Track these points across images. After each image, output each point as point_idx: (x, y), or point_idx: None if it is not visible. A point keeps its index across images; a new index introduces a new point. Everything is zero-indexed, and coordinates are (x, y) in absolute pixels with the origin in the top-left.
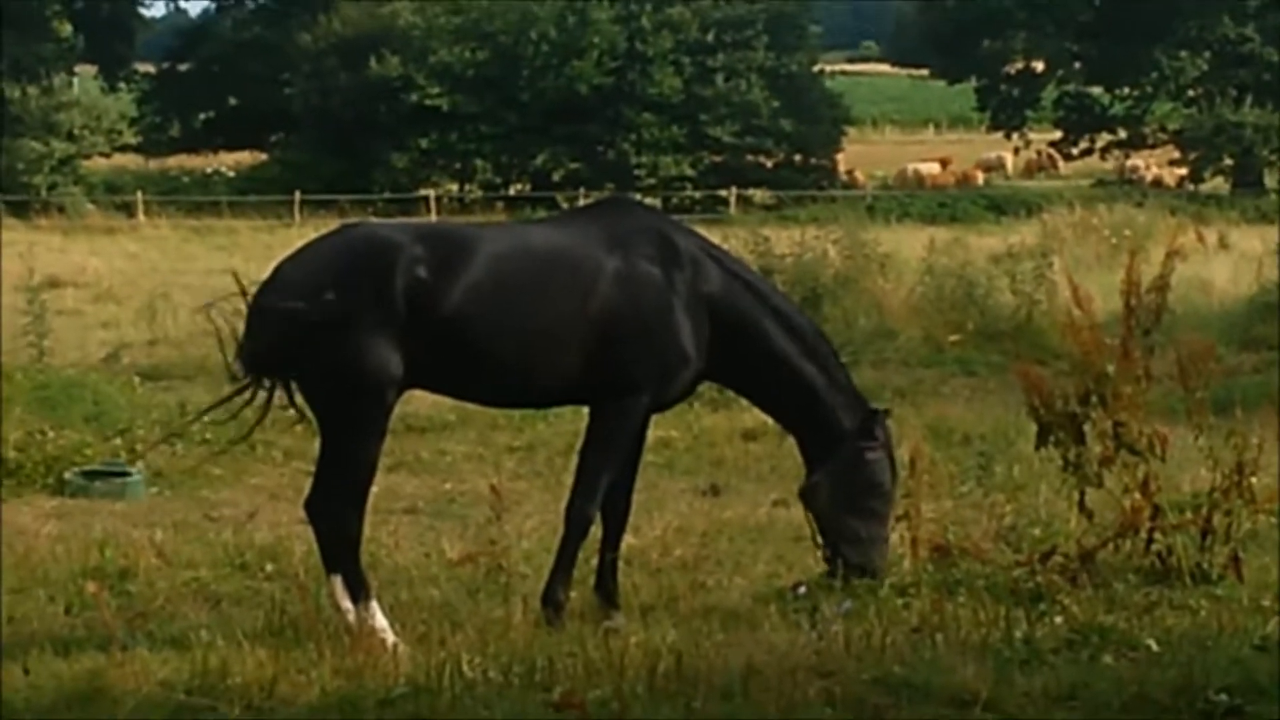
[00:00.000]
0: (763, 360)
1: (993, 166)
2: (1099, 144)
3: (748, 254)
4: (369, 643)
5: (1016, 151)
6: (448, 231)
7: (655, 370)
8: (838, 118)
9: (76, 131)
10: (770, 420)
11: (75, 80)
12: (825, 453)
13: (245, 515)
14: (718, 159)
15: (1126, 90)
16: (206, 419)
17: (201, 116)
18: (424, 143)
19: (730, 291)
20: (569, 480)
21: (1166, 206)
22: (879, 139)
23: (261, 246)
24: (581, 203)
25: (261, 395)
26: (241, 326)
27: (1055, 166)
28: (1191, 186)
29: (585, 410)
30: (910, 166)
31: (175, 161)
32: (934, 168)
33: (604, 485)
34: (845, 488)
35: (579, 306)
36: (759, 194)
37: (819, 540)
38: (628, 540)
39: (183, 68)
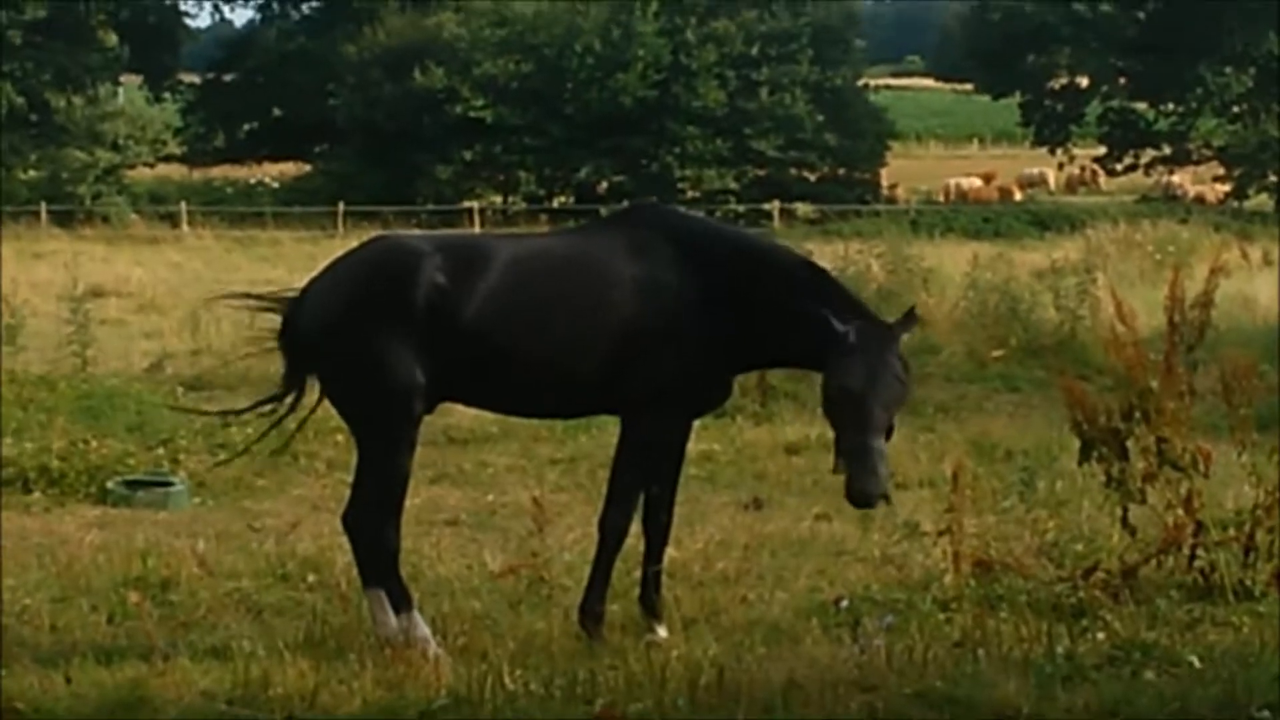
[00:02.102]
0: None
1: (1035, 182)
2: (1143, 160)
3: None
4: (410, 654)
5: (1061, 167)
6: (469, 241)
7: (680, 379)
8: (881, 132)
9: (121, 141)
10: (813, 434)
11: (120, 90)
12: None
13: (288, 526)
14: (761, 173)
15: (1171, 106)
16: (249, 431)
17: (246, 127)
18: (468, 155)
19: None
20: None
21: (1210, 223)
22: (923, 153)
23: (305, 257)
24: None
25: (303, 403)
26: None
27: (1096, 182)
28: (1235, 203)
29: None
30: (953, 181)
31: (219, 172)
32: (977, 183)
33: (637, 496)
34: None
35: (598, 315)
36: (802, 208)
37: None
38: (670, 553)
39: (227, 78)
